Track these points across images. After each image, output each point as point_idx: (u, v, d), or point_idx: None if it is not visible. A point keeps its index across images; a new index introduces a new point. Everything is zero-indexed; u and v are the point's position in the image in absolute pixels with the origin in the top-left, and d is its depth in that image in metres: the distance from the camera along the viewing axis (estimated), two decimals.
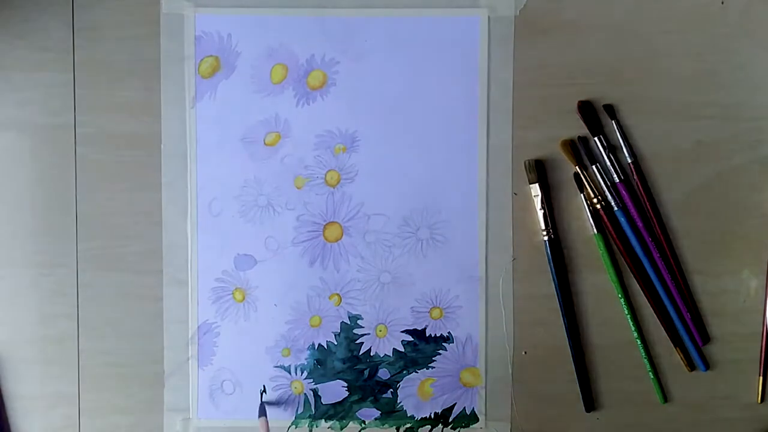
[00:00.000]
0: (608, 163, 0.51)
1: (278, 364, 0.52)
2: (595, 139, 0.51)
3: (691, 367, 0.52)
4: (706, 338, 0.52)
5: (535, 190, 0.50)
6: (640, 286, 0.51)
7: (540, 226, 0.51)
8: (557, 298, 0.51)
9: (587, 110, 0.51)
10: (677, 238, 0.51)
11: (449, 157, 0.51)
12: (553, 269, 0.51)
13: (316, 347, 0.52)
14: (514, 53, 0.51)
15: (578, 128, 0.51)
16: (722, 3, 0.51)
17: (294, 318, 0.52)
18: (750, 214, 0.51)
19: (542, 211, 0.50)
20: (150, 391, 0.52)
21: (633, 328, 0.51)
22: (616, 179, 0.51)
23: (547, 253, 0.51)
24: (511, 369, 0.52)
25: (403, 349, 0.52)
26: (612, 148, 0.51)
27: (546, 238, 0.50)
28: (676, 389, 0.52)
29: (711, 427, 0.52)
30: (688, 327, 0.51)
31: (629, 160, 0.51)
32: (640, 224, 0.51)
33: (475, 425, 0.52)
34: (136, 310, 0.51)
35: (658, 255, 0.51)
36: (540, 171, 0.51)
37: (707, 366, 0.52)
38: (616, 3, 0.51)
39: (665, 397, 0.52)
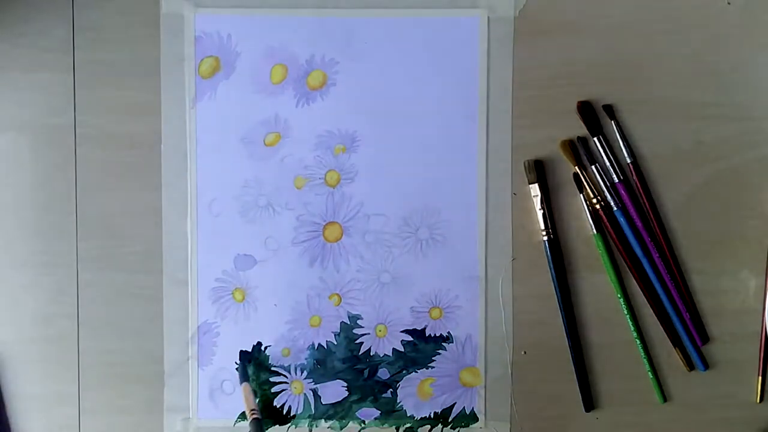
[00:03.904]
0: (607, 164, 0.51)
1: (278, 364, 0.52)
2: (595, 139, 0.51)
3: (690, 366, 0.52)
4: (705, 338, 0.52)
5: (535, 190, 0.51)
6: (639, 286, 0.51)
7: (540, 226, 0.51)
8: (557, 298, 0.51)
9: (587, 110, 0.51)
10: (677, 238, 0.51)
11: (449, 157, 0.51)
12: (552, 269, 0.51)
13: (316, 347, 0.52)
14: (514, 53, 0.51)
15: (578, 128, 0.51)
16: (728, 3, 0.51)
17: (294, 318, 0.52)
18: (750, 214, 0.51)
19: (542, 211, 0.50)
20: (150, 391, 0.52)
21: (632, 328, 0.51)
22: (616, 179, 0.51)
23: (546, 253, 0.51)
24: (511, 369, 0.52)
25: (402, 349, 0.52)
26: (611, 149, 0.51)
27: (546, 238, 0.50)
28: (675, 389, 0.52)
29: (710, 427, 0.52)
30: (688, 327, 0.51)
31: (628, 161, 0.51)
32: (639, 224, 0.51)
33: (474, 425, 0.52)
34: (136, 310, 0.52)
35: (658, 255, 0.51)
36: (540, 171, 0.51)
37: (706, 366, 0.52)
38: (616, 3, 0.51)
39: (664, 397, 0.52)
